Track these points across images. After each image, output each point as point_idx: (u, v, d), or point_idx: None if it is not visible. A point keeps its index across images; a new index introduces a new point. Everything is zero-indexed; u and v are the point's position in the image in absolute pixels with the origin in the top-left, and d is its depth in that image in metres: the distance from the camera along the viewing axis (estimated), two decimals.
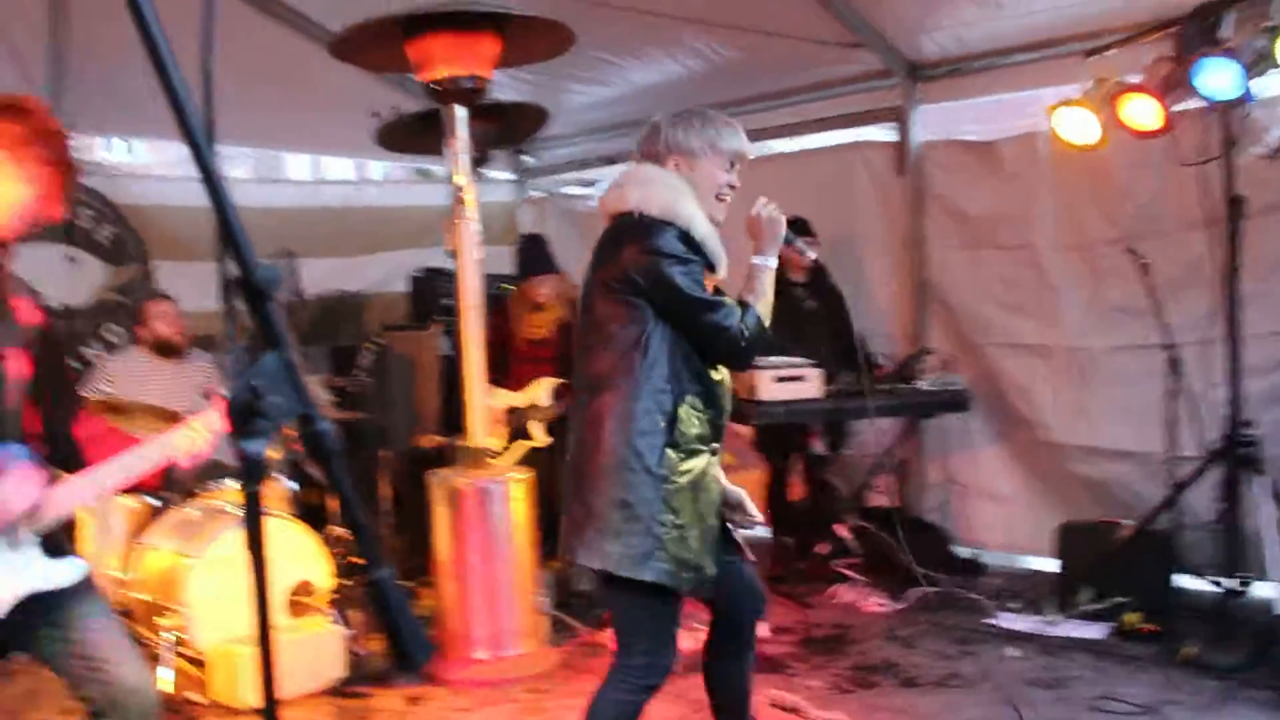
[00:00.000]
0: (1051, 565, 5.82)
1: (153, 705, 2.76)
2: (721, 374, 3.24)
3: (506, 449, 5.81)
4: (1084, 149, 5.24)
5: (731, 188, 3.32)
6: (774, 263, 3.37)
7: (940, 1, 5.72)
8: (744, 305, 3.21)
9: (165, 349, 5.83)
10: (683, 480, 3.06)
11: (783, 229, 3.38)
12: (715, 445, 3.22)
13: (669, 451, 3.04)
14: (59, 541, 2.76)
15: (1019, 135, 6.14)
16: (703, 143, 3.25)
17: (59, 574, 2.71)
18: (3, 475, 2.56)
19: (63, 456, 2.82)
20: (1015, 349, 6.21)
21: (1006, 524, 6.42)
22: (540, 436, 5.80)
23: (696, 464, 3.11)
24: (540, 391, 5.86)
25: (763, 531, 6.58)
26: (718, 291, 3.22)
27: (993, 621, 5.42)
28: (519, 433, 5.84)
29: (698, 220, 3.15)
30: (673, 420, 3.05)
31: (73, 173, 2.71)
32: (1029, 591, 5.80)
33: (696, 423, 3.11)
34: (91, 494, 2.80)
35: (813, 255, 3.66)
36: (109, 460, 2.76)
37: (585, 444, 3.13)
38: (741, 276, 3.37)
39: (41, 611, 2.69)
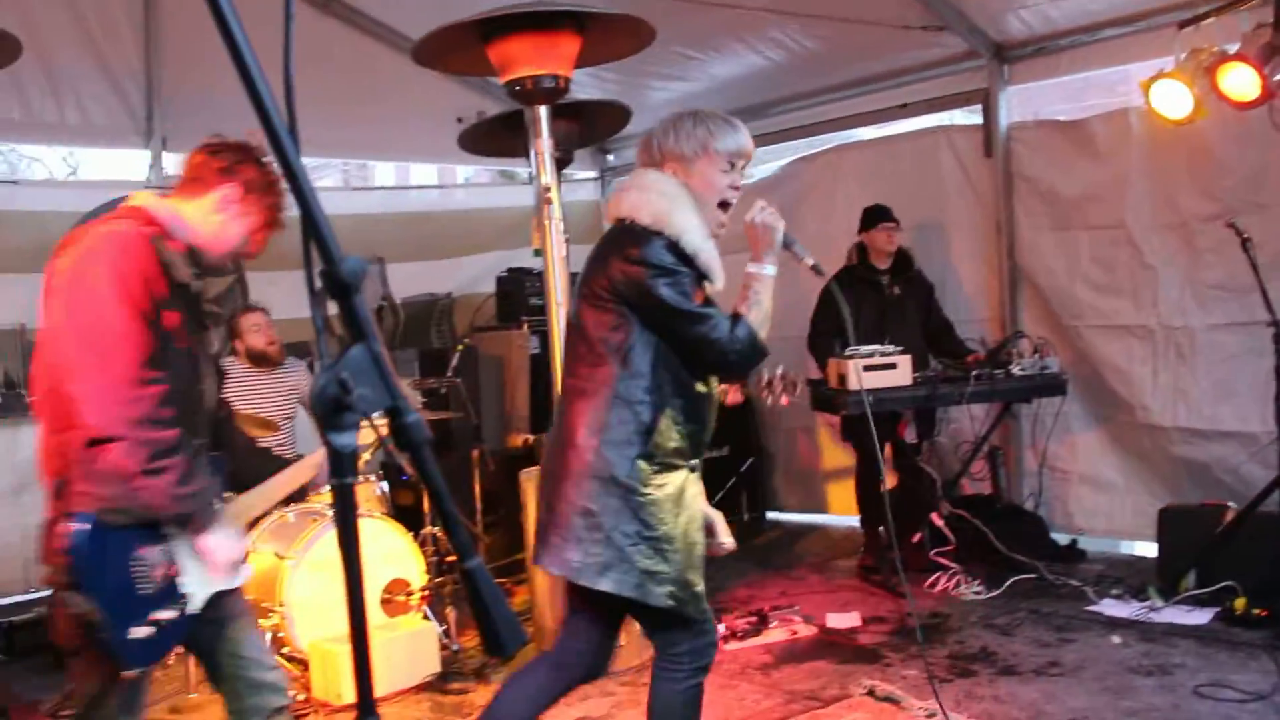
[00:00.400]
0: (1153, 550, 5.69)
1: (286, 704, 2.96)
2: (709, 387, 3.14)
3: None
4: (1179, 123, 5.10)
5: (735, 188, 3.16)
6: (771, 270, 3.20)
7: None
8: (736, 317, 3.08)
9: (260, 359, 5.95)
10: (658, 494, 2.97)
11: (779, 235, 3.19)
12: (694, 461, 3.14)
13: (640, 463, 2.94)
14: None
15: (1110, 112, 6.00)
16: (694, 146, 3.08)
17: (237, 575, 2.91)
18: (213, 531, 2.74)
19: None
20: (1111, 330, 6.08)
21: (1106, 509, 6.29)
22: None
23: (672, 478, 3.02)
24: None
25: (854, 520, 6.55)
26: (708, 302, 3.11)
27: (1093, 608, 5.32)
28: None
29: (690, 232, 3.00)
30: (649, 431, 2.96)
31: (281, 224, 2.89)
32: (1130, 577, 5.68)
33: (676, 436, 3.01)
34: (264, 506, 3.05)
35: (810, 261, 3.37)
36: (275, 476, 3.11)
37: (557, 449, 3.06)
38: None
39: (215, 617, 2.88)
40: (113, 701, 2.76)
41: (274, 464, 3.23)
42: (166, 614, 2.69)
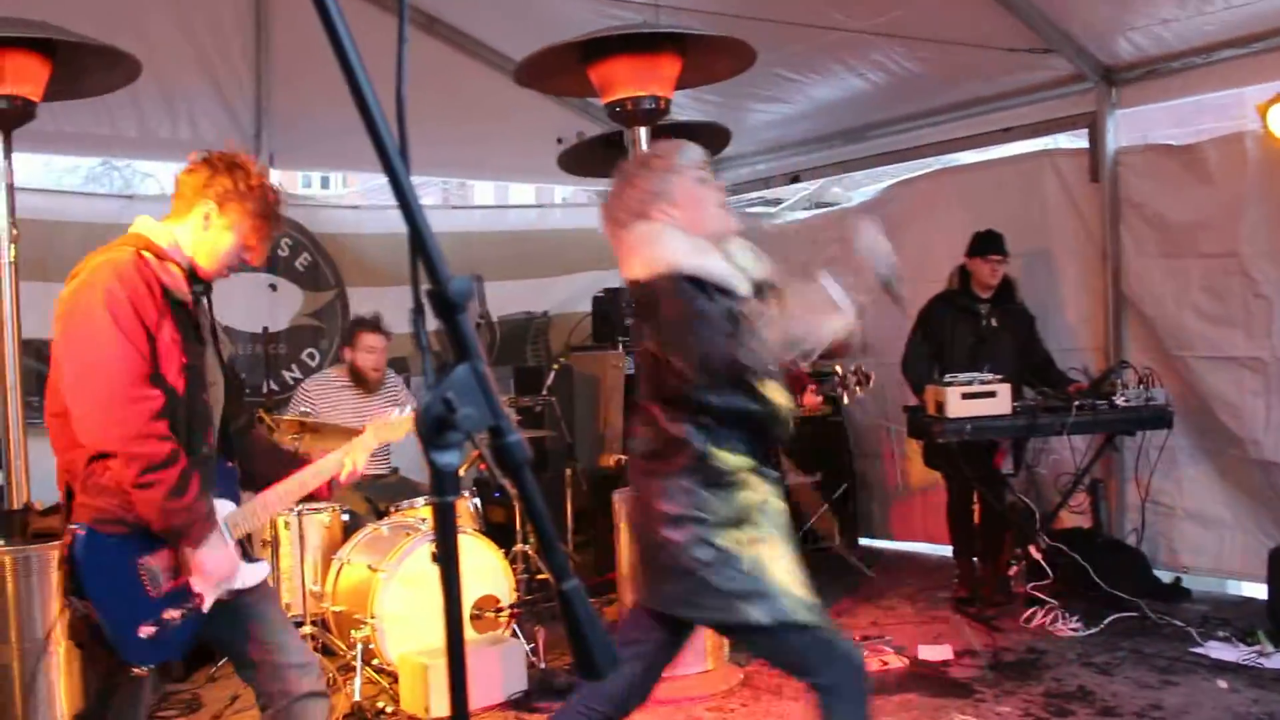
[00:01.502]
0: (1263, 592, 5.49)
1: (323, 708, 3.07)
2: (770, 393, 2.99)
3: None
4: None
5: (720, 190, 3.11)
6: (848, 307, 3.05)
7: (1135, 1, 5.50)
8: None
9: (360, 380, 6.05)
10: (729, 511, 2.92)
11: (880, 280, 3.12)
12: (765, 469, 3.03)
13: (705, 493, 2.90)
14: (246, 547, 3.14)
15: (1224, 136, 5.84)
16: (662, 178, 3.02)
17: (251, 574, 3.07)
18: (205, 545, 2.89)
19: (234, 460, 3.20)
20: (1221, 362, 5.90)
21: (1214, 547, 6.09)
22: None
23: (744, 496, 2.95)
24: None
25: (947, 550, 6.44)
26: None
27: (1199, 650, 5.15)
28: None
29: (707, 263, 2.93)
30: (705, 466, 2.91)
31: (275, 224, 3.02)
32: (1238, 619, 5.48)
33: (733, 455, 2.94)
34: (281, 506, 3.28)
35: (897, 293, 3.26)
36: (290, 477, 3.18)
37: (639, 498, 3.12)
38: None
39: (233, 609, 3.03)
40: (118, 698, 2.95)
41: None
42: (175, 613, 2.84)
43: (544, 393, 6.22)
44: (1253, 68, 5.50)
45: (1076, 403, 5.68)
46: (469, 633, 4.99)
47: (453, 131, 7.19)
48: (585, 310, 8.00)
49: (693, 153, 3.08)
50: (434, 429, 1.14)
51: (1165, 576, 6.15)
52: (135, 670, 2.82)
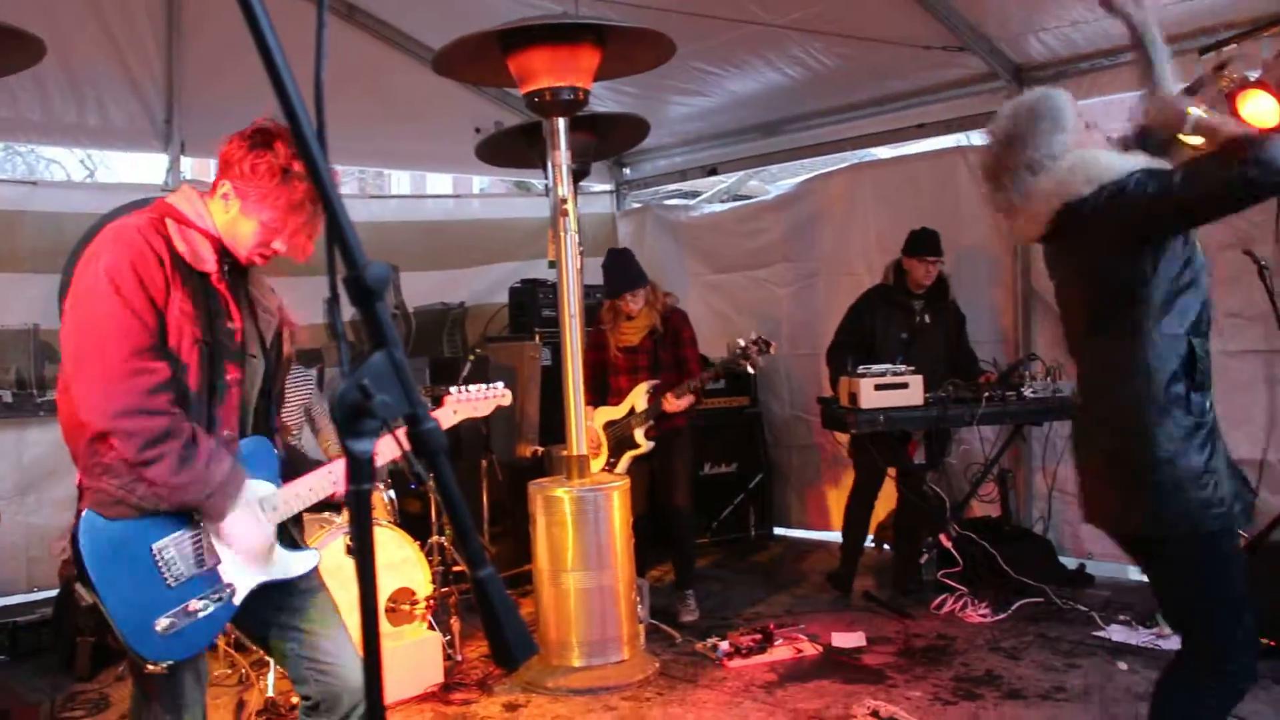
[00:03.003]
0: None
1: (384, 709, 2.85)
2: None
3: (612, 464, 5.94)
4: (1198, 149, 5.08)
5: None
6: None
7: (1048, 2, 5.62)
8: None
9: None
10: None
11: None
12: None
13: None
14: (289, 534, 2.93)
15: (1129, 137, 5.97)
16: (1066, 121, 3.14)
17: (292, 564, 2.88)
18: (230, 515, 2.73)
19: None
20: None
21: None
22: (644, 442, 5.91)
23: None
24: (638, 397, 5.99)
25: (865, 540, 6.54)
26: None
27: (1101, 634, 5.29)
28: (624, 443, 5.96)
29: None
30: None
31: (309, 217, 2.75)
32: (1139, 604, 5.64)
33: None
34: (314, 498, 2.94)
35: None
36: (317, 471, 2.94)
37: None
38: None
39: (273, 605, 2.85)
40: (157, 702, 2.72)
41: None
42: (199, 604, 2.67)
43: (460, 383, 6.17)
44: None
45: (986, 394, 5.80)
46: (385, 626, 4.95)
47: (370, 120, 7.11)
48: (502, 301, 7.97)
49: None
50: (350, 416, 1.13)
51: (1070, 563, 6.32)
52: (150, 667, 2.60)
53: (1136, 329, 2.90)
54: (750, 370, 5.95)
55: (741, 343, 5.77)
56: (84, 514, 2.62)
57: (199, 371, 2.69)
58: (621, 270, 6.15)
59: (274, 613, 2.86)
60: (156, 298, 2.59)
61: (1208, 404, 2.93)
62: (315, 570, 2.95)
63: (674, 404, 5.81)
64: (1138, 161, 3.00)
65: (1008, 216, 3.18)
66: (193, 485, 2.62)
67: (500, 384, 3.35)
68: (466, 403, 3.29)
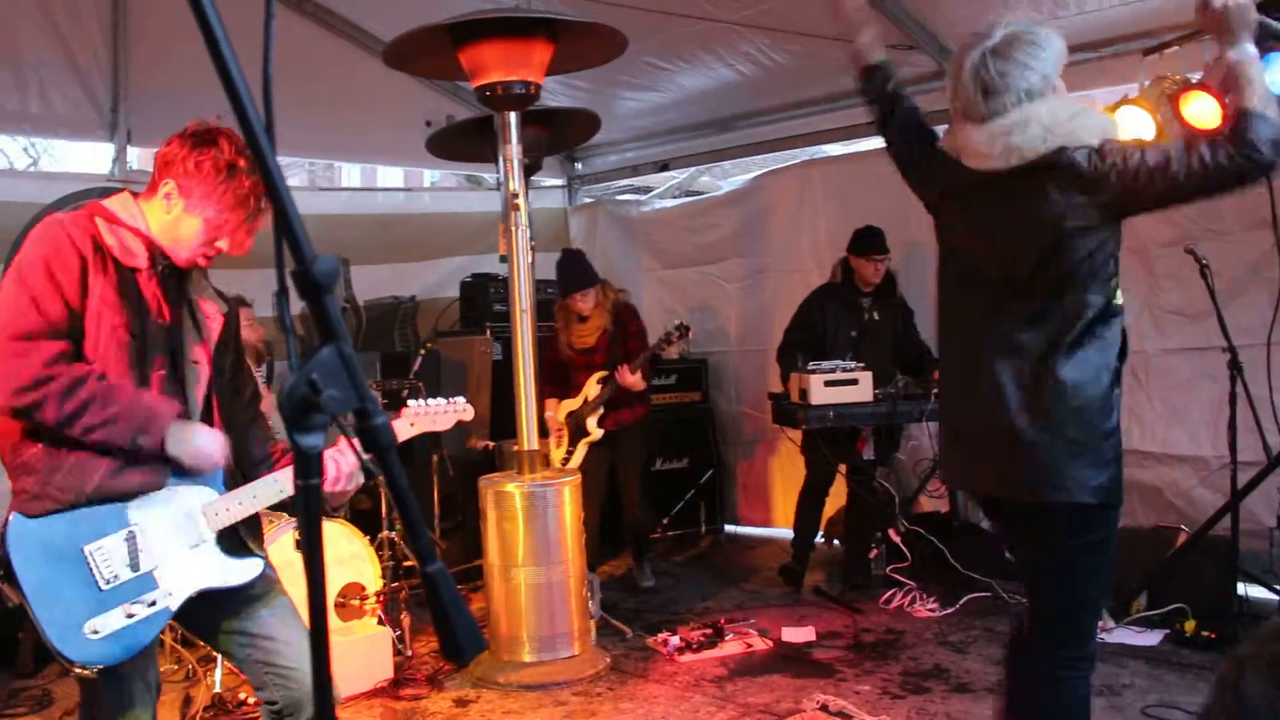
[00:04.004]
0: None
1: (332, 707, 2.79)
2: None
3: (570, 453, 6.10)
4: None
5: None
6: (1254, 50, 2.77)
7: (996, 3, 5.67)
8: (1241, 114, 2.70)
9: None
10: None
11: (1253, 13, 2.78)
12: None
13: None
14: (240, 540, 2.85)
15: None
16: (1047, 68, 2.91)
17: (235, 572, 2.79)
18: (189, 425, 2.68)
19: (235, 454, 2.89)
20: None
21: None
22: (594, 429, 6.08)
23: None
24: (591, 387, 6.24)
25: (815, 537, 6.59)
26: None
27: None
28: (579, 432, 6.13)
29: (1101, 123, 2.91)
30: None
31: (252, 213, 2.71)
32: None
33: None
34: (267, 500, 2.86)
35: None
36: (278, 471, 2.87)
37: None
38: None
39: (222, 609, 2.79)
40: (97, 707, 2.68)
41: None
42: (133, 609, 2.62)
43: (410, 378, 6.15)
44: (1103, 71, 5.72)
45: (935, 390, 5.85)
46: (334, 621, 4.92)
47: (320, 112, 7.05)
48: (453, 295, 7.93)
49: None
50: (299, 410, 1.13)
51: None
52: (79, 670, 2.55)
53: (1092, 299, 2.87)
54: (673, 355, 6.24)
55: (666, 330, 5.99)
56: (10, 516, 2.58)
57: (127, 360, 2.63)
58: (572, 270, 6.27)
59: (225, 618, 2.80)
60: (68, 290, 2.54)
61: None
62: (269, 573, 2.89)
63: (628, 377, 6.08)
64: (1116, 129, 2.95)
65: (963, 131, 2.99)
66: (123, 417, 2.55)
67: (462, 399, 3.28)
68: (425, 416, 3.20)
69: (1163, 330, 5.78)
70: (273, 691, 2.80)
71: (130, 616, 2.61)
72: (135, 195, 2.78)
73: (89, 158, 8.39)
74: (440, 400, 3.26)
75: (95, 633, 2.56)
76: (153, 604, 2.65)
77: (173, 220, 2.70)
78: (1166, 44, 5.05)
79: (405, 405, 3.20)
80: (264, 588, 2.86)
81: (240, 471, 2.90)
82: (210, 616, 2.80)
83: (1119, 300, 2.92)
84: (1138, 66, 5.14)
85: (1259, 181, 2.69)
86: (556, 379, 6.35)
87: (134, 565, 2.64)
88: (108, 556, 2.61)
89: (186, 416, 2.75)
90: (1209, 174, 2.69)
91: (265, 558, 2.91)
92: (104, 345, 2.60)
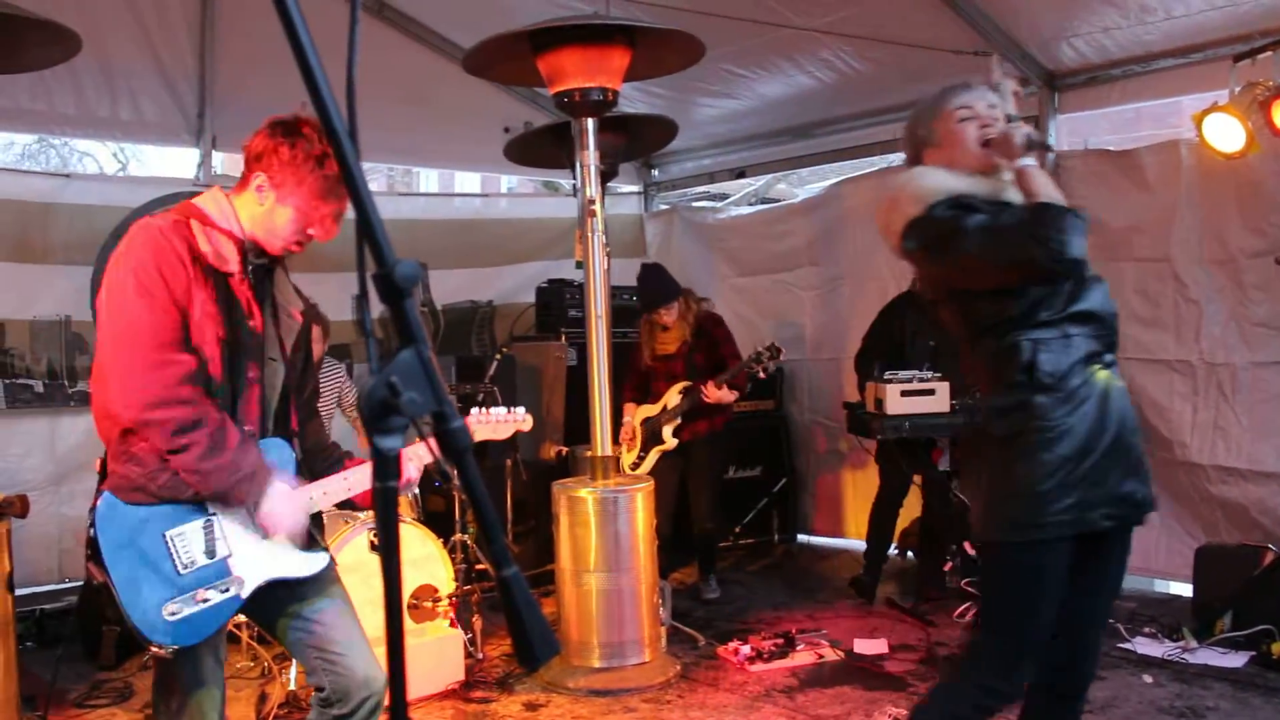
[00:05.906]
0: (1188, 590, 5.61)
1: (381, 698, 2.87)
2: None
3: (642, 458, 6.13)
4: (1230, 157, 5.05)
5: (985, 124, 3.08)
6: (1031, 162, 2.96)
7: (1080, 9, 5.58)
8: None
9: None
10: None
11: (1020, 135, 2.96)
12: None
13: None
14: (309, 534, 2.94)
15: (1161, 143, 5.93)
16: (927, 126, 3.21)
17: (303, 564, 2.90)
18: (273, 489, 2.77)
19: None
20: (1151, 364, 6.01)
21: (1141, 546, 6.12)
22: (670, 439, 6.09)
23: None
24: (672, 395, 6.28)
25: (890, 549, 6.52)
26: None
27: (1125, 646, 5.25)
28: (653, 439, 6.17)
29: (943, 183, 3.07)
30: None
31: (339, 201, 2.78)
32: (1164, 616, 5.60)
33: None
34: (326, 503, 2.97)
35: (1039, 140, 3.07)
36: (339, 474, 2.98)
37: None
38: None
39: (284, 598, 2.88)
40: (176, 683, 2.78)
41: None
42: (207, 594, 2.71)
43: (486, 382, 6.20)
44: (1191, 77, 5.61)
45: None
46: (407, 622, 4.96)
47: (400, 117, 7.14)
48: (529, 301, 7.98)
49: (956, 98, 3.12)
50: (377, 413, 1.14)
51: None
52: (155, 649, 2.65)
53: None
54: (761, 375, 6.16)
55: (756, 350, 5.97)
56: (104, 495, 2.69)
57: (221, 368, 2.72)
58: (654, 285, 6.31)
59: (286, 604, 2.89)
60: (180, 296, 2.63)
61: None
62: (331, 566, 2.98)
63: (715, 393, 6.06)
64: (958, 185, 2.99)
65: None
66: (218, 472, 2.65)
67: (521, 409, 3.40)
68: (486, 424, 3.32)
69: (1250, 343, 5.64)
70: (321, 678, 2.88)
71: (204, 601, 2.71)
72: (227, 191, 2.84)
73: (175, 162, 8.60)
74: (500, 409, 3.38)
75: (173, 615, 2.66)
76: (225, 590, 2.75)
77: (266, 212, 2.77)
78: (1258, 49, 4.93)
79: (466, 415, 3.26)
80: (326, 580, 2.96)
81: (306, 466, 3.01)
82: (273, 605, 2.89)
83: None
84: (1228, 73, 5.04)
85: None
86: (639, 386, 6.43)
87: (210, 552, 2.75)
88: (187, 543, 2.72)
89: (265, 414, 2.86)
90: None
91: (329, 552, 3.01)
92: (207, 350, 2.69)
